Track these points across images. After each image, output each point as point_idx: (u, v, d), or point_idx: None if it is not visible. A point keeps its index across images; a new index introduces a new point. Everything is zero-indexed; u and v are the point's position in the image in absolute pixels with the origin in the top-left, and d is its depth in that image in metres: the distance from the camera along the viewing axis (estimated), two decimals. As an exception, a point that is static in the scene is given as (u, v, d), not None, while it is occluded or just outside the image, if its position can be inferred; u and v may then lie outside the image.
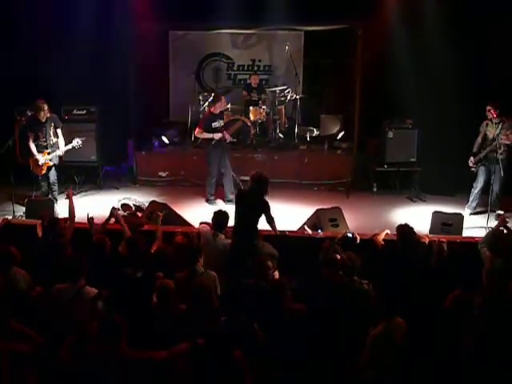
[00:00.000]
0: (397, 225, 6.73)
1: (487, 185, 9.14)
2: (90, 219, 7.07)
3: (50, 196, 9.61)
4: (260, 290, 5.59)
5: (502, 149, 8.94)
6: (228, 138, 10.02)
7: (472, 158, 9.22)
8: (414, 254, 6.33)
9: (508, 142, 8.97)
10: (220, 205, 9.72)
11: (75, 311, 5.22)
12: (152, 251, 6.44)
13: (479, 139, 9.22)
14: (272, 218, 7.10)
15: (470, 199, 9.40)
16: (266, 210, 7.00)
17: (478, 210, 9.38)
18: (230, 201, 9.69)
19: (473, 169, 9.26)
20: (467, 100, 9.71)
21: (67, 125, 10.52)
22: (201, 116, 11.50)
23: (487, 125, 9.14)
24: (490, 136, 9.05)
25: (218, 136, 9.83)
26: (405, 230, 6.52)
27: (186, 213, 8.76)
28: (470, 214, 9.32)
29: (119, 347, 4.37)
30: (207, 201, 9.98)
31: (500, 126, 8.95)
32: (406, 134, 10.59)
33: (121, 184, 11.08)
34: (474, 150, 9.26)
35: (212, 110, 10.04)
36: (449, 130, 9.89)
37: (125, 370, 4.31)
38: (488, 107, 9.00)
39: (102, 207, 8.95)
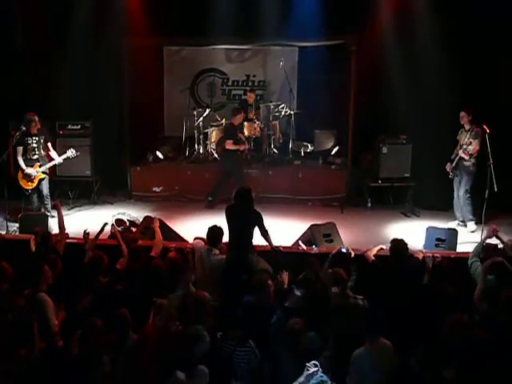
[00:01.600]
0: (391, 239, 6.72)
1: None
2: (86, 234, 7.06)
3: (42, 210, 9.59)
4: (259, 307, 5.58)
5: (469, 156, 9.17)
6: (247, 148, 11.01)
7: (448, 164, 9.46)
8: (405, 270, 6.30)
9: (464, 156, 9.20)
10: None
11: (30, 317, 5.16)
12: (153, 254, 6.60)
13: (458, 147, 9.45)
14: (266, 231, 7.09)
15: (454, 211, 9.65)
16: (259, 221, 6.98)
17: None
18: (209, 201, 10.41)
19: (450, 176, 9.49)
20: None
21: (62, 140, 10.61)
22: (196, 132, 11.58)
23: (461, 132, 9.39)
24: (461, 142, 9.32)
25: (243, 147, 10.80)
26: (398, 245, 6.49)
27: (180, 228, 8.73)
28: (460, 224, 9.47)
29: (129, 335, 4.76)
30: None
31: (468, 135, 9.19)
32: (399, 149, 10.63)
33: (115, 199, 11.06)
34: (452, 156, 9.51)
35: (233, 121, 10.78)
36: (443, 145, 9.90)
37: (134, 355, 4.60)
38: (461, 113, 9.25)
39: (96, 222, 8.92)
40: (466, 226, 9.39)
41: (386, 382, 4.77)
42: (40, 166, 9.51)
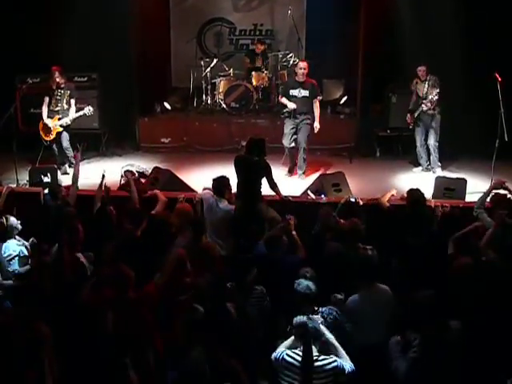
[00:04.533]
0: (408, 189, 6.71)
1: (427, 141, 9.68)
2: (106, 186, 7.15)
3: (65, 161, 9.77)
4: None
5: (434, 104, 9.41)
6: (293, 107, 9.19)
7: (409, 115, 9.68)
8: (420, 218, 6.32)
9: (426, 107, 9.43)
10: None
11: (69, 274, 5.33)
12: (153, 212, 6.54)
13: (414, 97, 9.73)
14: (275, 183, 7.10)
15: (418, 160, 9.89)
16: (267, 173, 7.00)
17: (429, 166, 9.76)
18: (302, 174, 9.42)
19: (410, 126, 9.75)
20: (473, 64, 9.64)
21: (68, 92, 10.54)
22: (203, 82, 11.52)
23: (417, 83, 9.63)
24: (420, 94, 9.54)
25: (291, 106, 9.20)
26: (416, 195, 6.49)
27: (188, 178, 8.76)
28: (424, 170, 9.81)
29: (127, 293, 4.70)
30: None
31: (427, 84, 9.43)
32: (409, 99, 10.48)
33: (123, 151, 11.07)
34: (410, 107, 9.74)
35: (294, 76, 9.53)
36: (453, 95, 9.79)
37: (130, 311, 4.58)
38: (421, 68, 9.46)
39: (106, 174, 8.97)
40: (430, 171, 9.68)
41: (385, 327, 4.82)
42: (59, 119, 9.61)
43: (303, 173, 9.40)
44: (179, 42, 12.60)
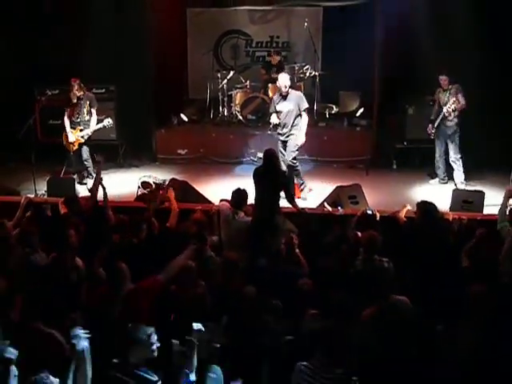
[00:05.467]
0: (417, 202, 6.67)
1: (447, 153, 9.55)
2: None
3: (83, 172, 9.85)
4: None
5: (453, 115, 9.29)
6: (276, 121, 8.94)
7: (430, 126, 9.57)
8: (436, 231, 6.27)
9: (448, 115, 9.30)
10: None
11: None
12: (168, 225, 6.59)
13: (436, 107, 9.64)
14: (292, 195, 7.12)
15: (435, 170, 9.81)
16: (285, 185, 7.01)
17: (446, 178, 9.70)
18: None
19: (431, 136, 9.64)
20: (489, 76, 9.60)
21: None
22: (220, 94, 11.60)
23: (439, 92, 9.54)
24: (441, 103, 9.45)
25: (272, 120, 9.02)
26: (426, 207, 6.44)
27: (205, 190, 8.78)
28: (440, 182, 9.72)
29: (124, 287, 4.85)
30: None
31: (448, 93, 9.32)
32: (426, 110, 10.46)
33: (140, 162, 11.12)
34: (432, 117, 9.62)
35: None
36: (470, 107, 9.75)
37: (128, 304, 4.70)
38: (443, 77, 9.36)
39: (123, 185, 9.03)
40: (447, 183, 9.62)
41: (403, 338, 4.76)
42: (81, 131, 9.67)
43: (304, 188, 9.17)
44: (196, 53, 12.66)
